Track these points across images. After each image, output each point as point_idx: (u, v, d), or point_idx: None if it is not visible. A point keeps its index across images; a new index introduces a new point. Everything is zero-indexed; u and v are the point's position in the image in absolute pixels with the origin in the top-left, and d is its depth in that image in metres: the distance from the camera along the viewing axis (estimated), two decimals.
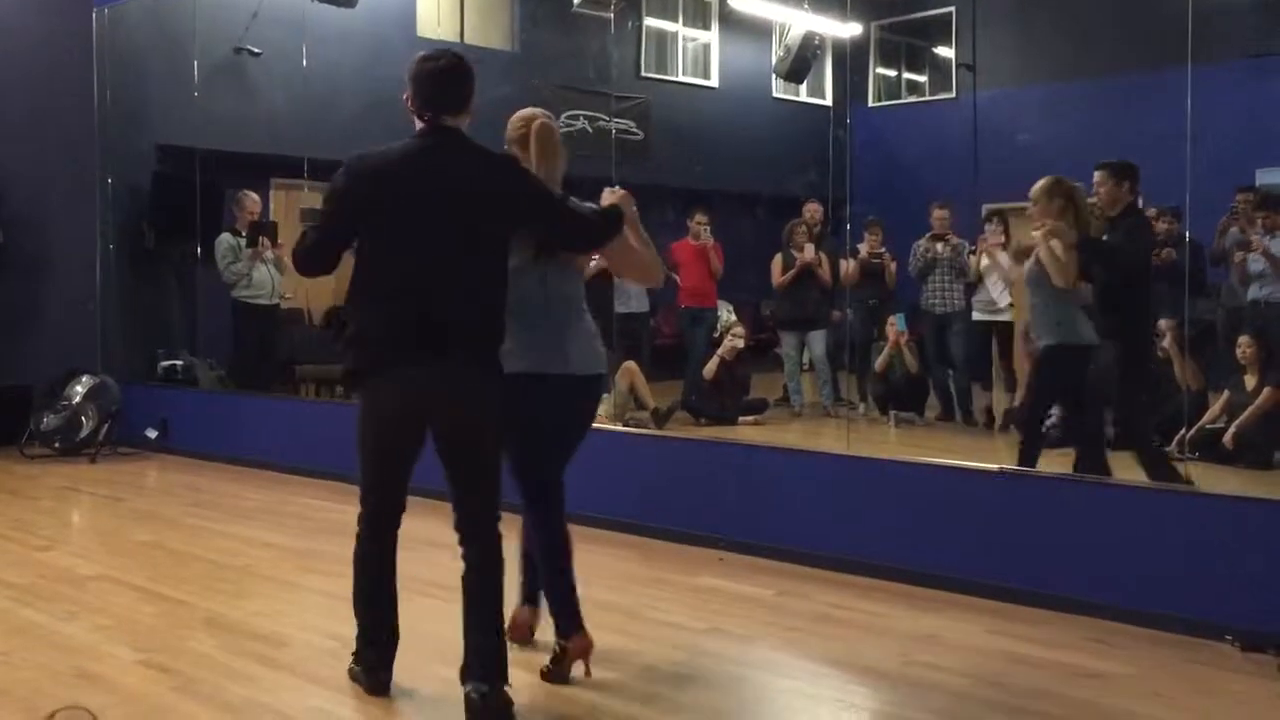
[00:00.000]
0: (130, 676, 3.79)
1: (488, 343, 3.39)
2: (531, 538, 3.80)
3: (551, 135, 3.70)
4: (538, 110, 3.78)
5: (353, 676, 3.69)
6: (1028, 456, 5.32)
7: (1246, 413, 6.85)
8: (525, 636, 4.02)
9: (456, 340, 3.30)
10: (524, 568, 3.99)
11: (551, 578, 3.70)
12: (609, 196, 3.69)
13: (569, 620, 3.68)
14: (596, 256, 8.07)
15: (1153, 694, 3.67)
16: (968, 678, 3.79)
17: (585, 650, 3.68)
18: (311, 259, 3.52)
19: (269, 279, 9.11)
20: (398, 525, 3.62)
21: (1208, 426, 7.00)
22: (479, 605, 3.41)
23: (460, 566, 3.45)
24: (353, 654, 3.72)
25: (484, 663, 3.36)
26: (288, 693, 3.63)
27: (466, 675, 3.38)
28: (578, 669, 3.69)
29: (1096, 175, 5.72)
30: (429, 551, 5.67)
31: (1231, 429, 6.82)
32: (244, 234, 9.07)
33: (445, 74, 3.41)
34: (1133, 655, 4.04)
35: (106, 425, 8.63)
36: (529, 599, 4.04)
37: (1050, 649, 4.11)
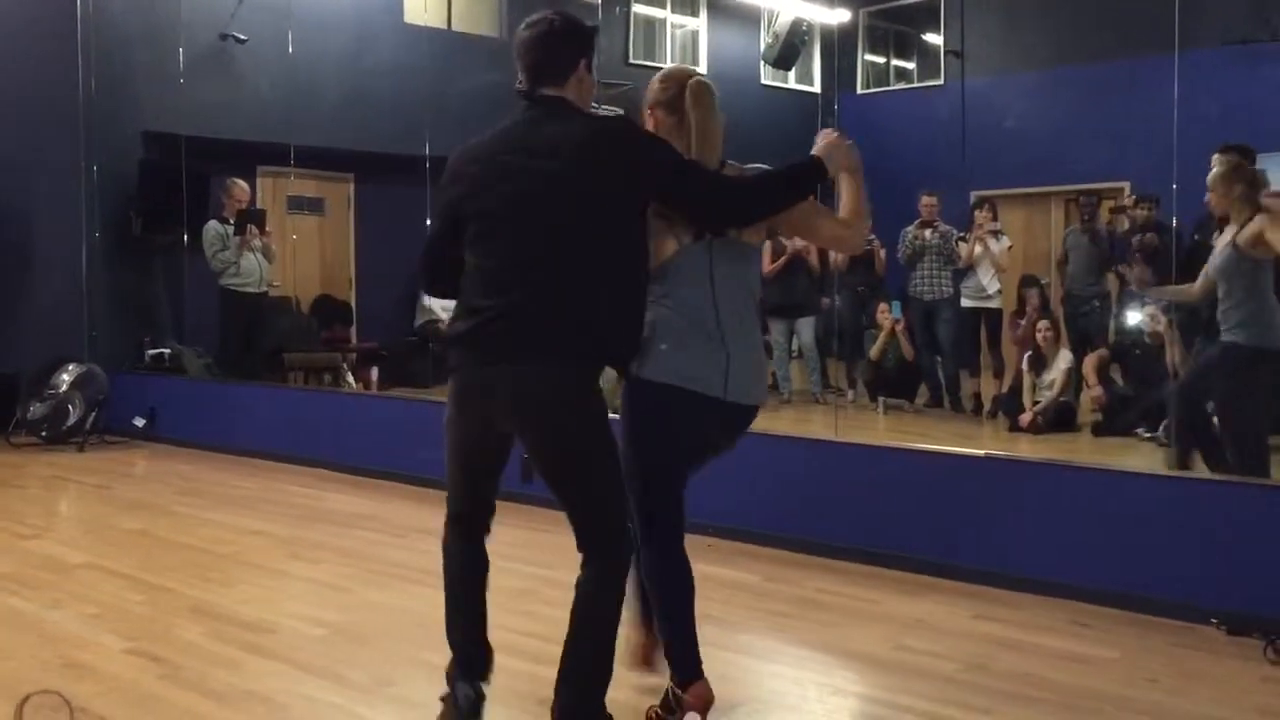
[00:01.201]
0: (117, 665, 3.79)
1: (592, 344, 2.91)
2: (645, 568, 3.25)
3: (711, 96, 3.15)
4: (689, 68, 3.22)
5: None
6: (1253, 465, 4.98)
7: None
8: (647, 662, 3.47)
9: (542, 341, 2.85)
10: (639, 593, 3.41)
11: (670, 611, 3.20)
12: (821, 140, 3.14)
13: (690, 664, 3.16)
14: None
15: (1139, 677, 3.69)
16: (954, 662, 3.81)
17: (706, 703, 3.13)
18: (424, 267, 3.17)
19: (256, 267, 9.09)
20: (476, 531, 3.25)
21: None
22: (569, 628, 3.01)
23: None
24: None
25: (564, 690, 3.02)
26: (275, 680, 3.63)
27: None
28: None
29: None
30: (419, 539, 5.67)
31: (1217, 415, 6.83)
32: (232, 222, 9.05)
33: (538, 38, 2.97)
34: (1117, 639, 4.07)
35: (94, 414, 8.61)
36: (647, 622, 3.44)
37: (1035, 633, 4.13)
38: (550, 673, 3.65)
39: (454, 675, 3.21)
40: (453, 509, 3.25)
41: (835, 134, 3.14)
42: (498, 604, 4.47)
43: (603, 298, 2.88)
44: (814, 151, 3.11)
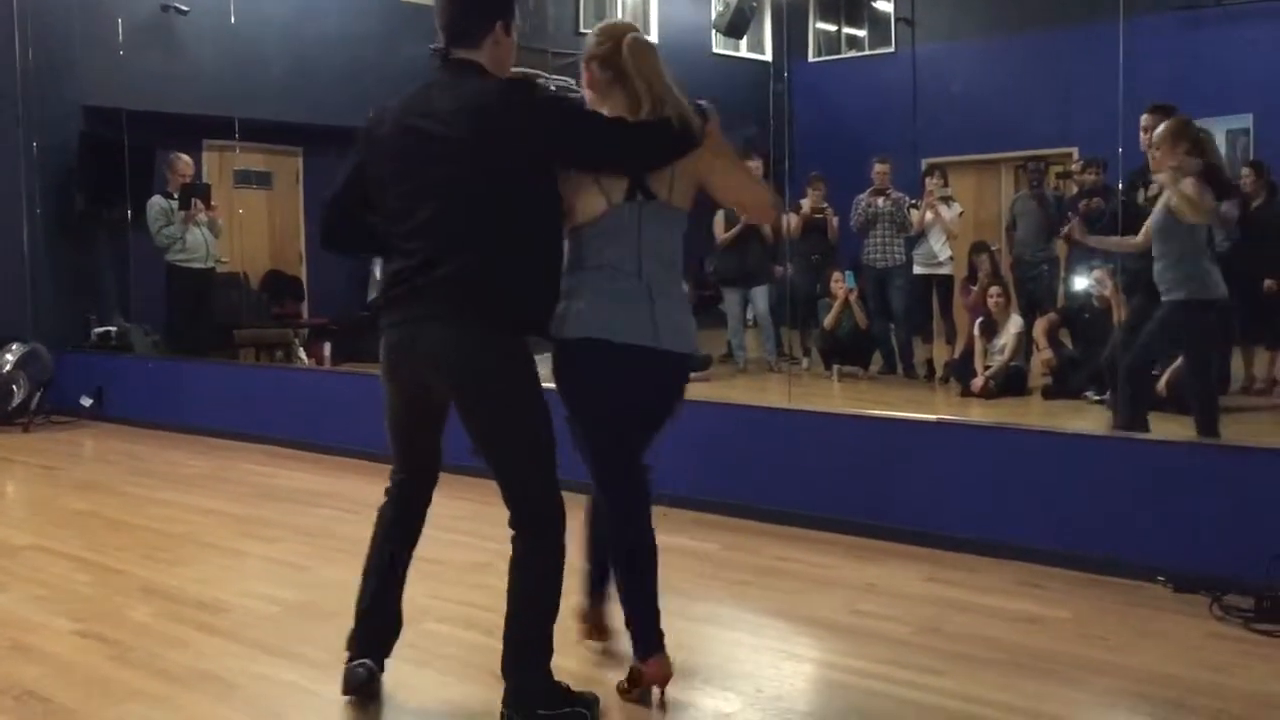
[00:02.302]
0: (65, 646, 3.73)
1: (508, 307, 2.90)
2: (602, 533, 3.32)
3: (651, 50, 3.12)
4: (625, 21, 3.28)
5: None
6: (1209, 424, 5.07)
7: (1179, 360, 6.96)
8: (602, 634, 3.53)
9: (456, 300, 2.86)
10: (592, 558, 3.49)
11: (631, 584, 3.17)
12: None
13: (649, 639, 3.14)
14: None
15: (1090, 635, 3.74)
16: (908, 625, 3.84)
17: (664, 678, 3.15)
18: (323, 223, 3.16)
19: (203, 242, 8.96)
20: (414, 500, 3.25)
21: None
22: (507, 606, 3.02)
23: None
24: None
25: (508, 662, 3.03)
26: (229, 659, 3.59)
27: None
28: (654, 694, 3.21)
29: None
30: (368, 513, 5.63)
31: (1165, 376, 6.93)
32: (176, 196, 8.89)
33: (454, 1, 2.99)
34: (1067, 598, 4.12)
35: (39, 394, 8.47)
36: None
37: (987, 595, 4.18)
38: None
39: (354, 650, 3.19)
40: (393, 476, 3.28)
41: (709, 103, 3.16)
42: (453, 578, 4.46)
43: (514, 260, 2.89)
44: (697, 100, 3.14)
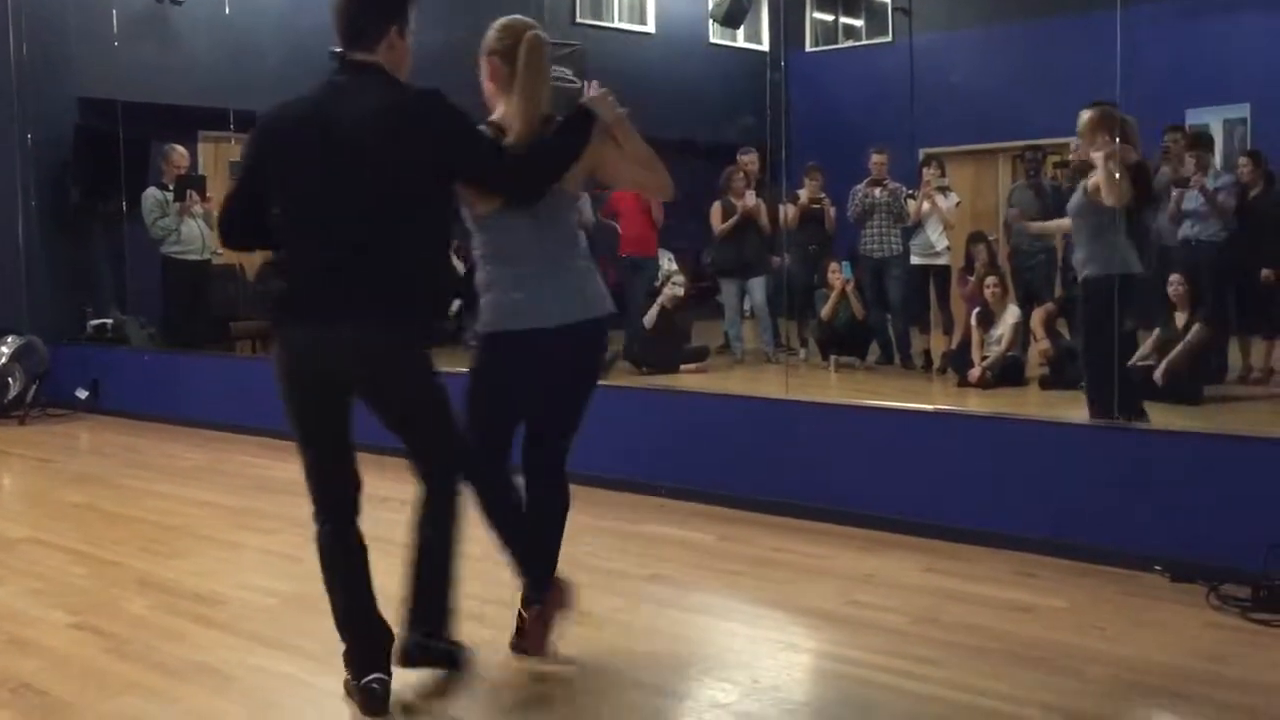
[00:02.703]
0: (62, 639, 3.73)
1: (402, 304, 3.02)
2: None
3: (544, 53, 3.24)
4: (526, 19, 3.34)
5: (347, 690, 3.19)
6: (1103, 405, 5.06)
7: (1176, 350, 6.98)
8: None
9: (358, 302, 2.96)
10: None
11: (502, 539, 3.43)
12: (590, 90, 3.26)
13: (535, 586, 3.42)
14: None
15: (1086, 625, 3.75)
16: (904, 616, 3.84)
17: (563, 603, 3.45)
18: (221, 222, 3.24)
19: (198, 234, 8.93)
20: (345, 512, 3.18)
21: (1139, 364, 7.12)
22: (412, 563, 3.18)
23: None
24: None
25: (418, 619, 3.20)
26: (225, 651, 3.59)
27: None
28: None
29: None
30: (372, 506, 5.63)
31: (1162, 365, 6.94)
32: (171, 188, 8.87)
33: (349, 4, 3.05)
34: (1063, 588, 4.12)
35: (34, 386, 8.45)
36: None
37: (984, 585, 4.18)
38: (501, 634, 3.66)
39: (359, 665, 3.13)
40: (317, 495, 3.17)
41: (602, 89, 3.27)
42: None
43: (407, 260, 2.99)
44: (582, 101, 3.24)
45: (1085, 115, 5.38)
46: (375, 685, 3.09)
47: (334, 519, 3.16)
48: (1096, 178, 5.22)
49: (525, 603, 3.45)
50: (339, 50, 3.07)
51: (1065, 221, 5.94)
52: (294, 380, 3.10)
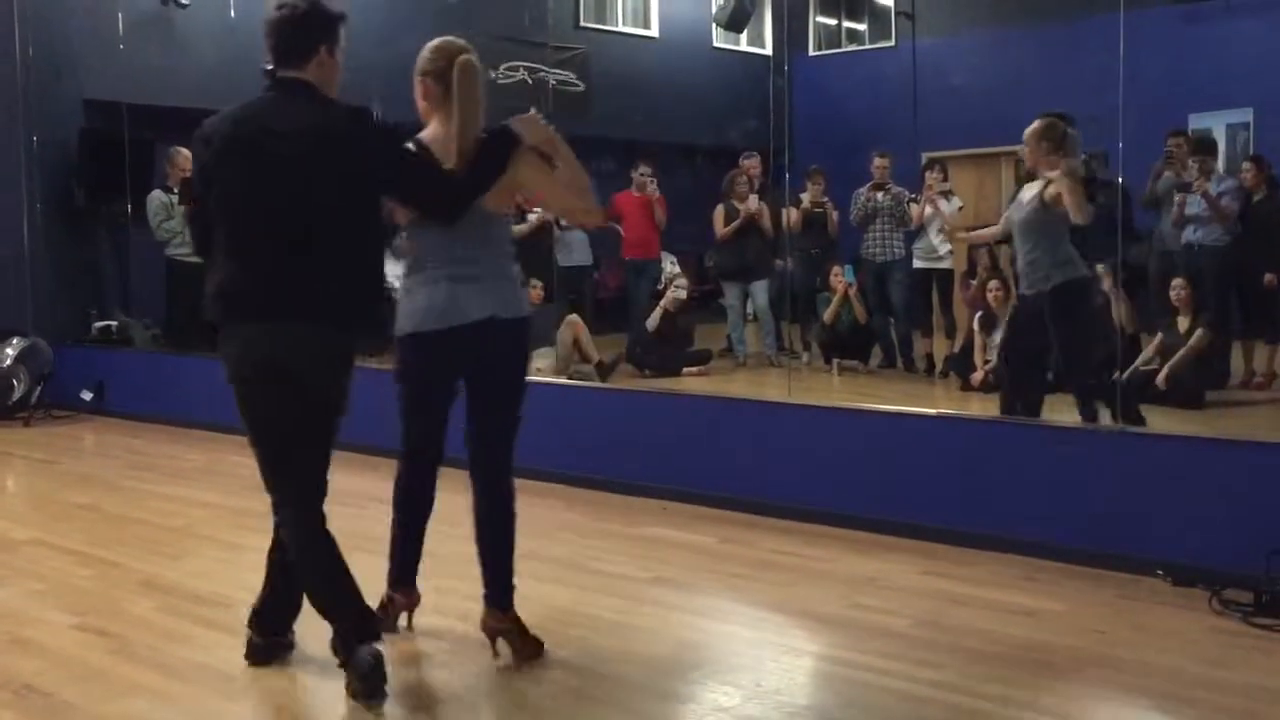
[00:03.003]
0: (65, 640, 3.74)
1: (329, 308, 3.16)
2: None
3: (476, 76, 3.37)
4: (459, 42, 3.47)
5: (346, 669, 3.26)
6: (1025, 404, 5.34)
7: (1179, 354, 6.98)
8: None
9: (288, 304, 3.13)
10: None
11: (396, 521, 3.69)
12: (519, 119, 3.41)
13: (396, 575, 3.70)
14: (537, 210, 7.91)
15: (1088, 629, 3.75)
16: (906, 619, 3.85)
17: (410, 605, 3.72)
18: (195, 234, 3.43)
19: None
20: (316, 506, 3.36)
21: (1141, 368, 7.12)
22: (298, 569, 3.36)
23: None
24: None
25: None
26: (228, 652, 3.58)
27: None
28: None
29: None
30: (371, 508, 5.65)
31: (1164, 370, 6.95)
32: (176, 191, 8.87)
33: (279, 22, 3.21)
34: (1065, 592, 4.13)
35: (39, 388, 8.46)
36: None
37: (985, 588, 4.18)
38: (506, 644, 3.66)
39: (357, 636, 3.23)
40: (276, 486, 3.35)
41: (529, 114, 3.46)
42: (453, 571, 4.46)
43: (335, 266, 3.15)
44: (506, 122, 3.39)
45: (1032, 125, 5.47)
46: (372, 657, 3.18)
47: (298, 506, 3.33)
48: (1055, 190, 5.24)
49: (486, 600, 3.54)
50: (270, 68, 3.24)
51: (995, 230, 6.20)
52: (241, 378, 3.28)
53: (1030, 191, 5.47)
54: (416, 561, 3.69)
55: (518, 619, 3.50)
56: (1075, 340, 5.41)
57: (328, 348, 3.21)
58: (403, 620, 3.71)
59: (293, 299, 3.14)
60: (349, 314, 3.22)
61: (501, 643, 3.49)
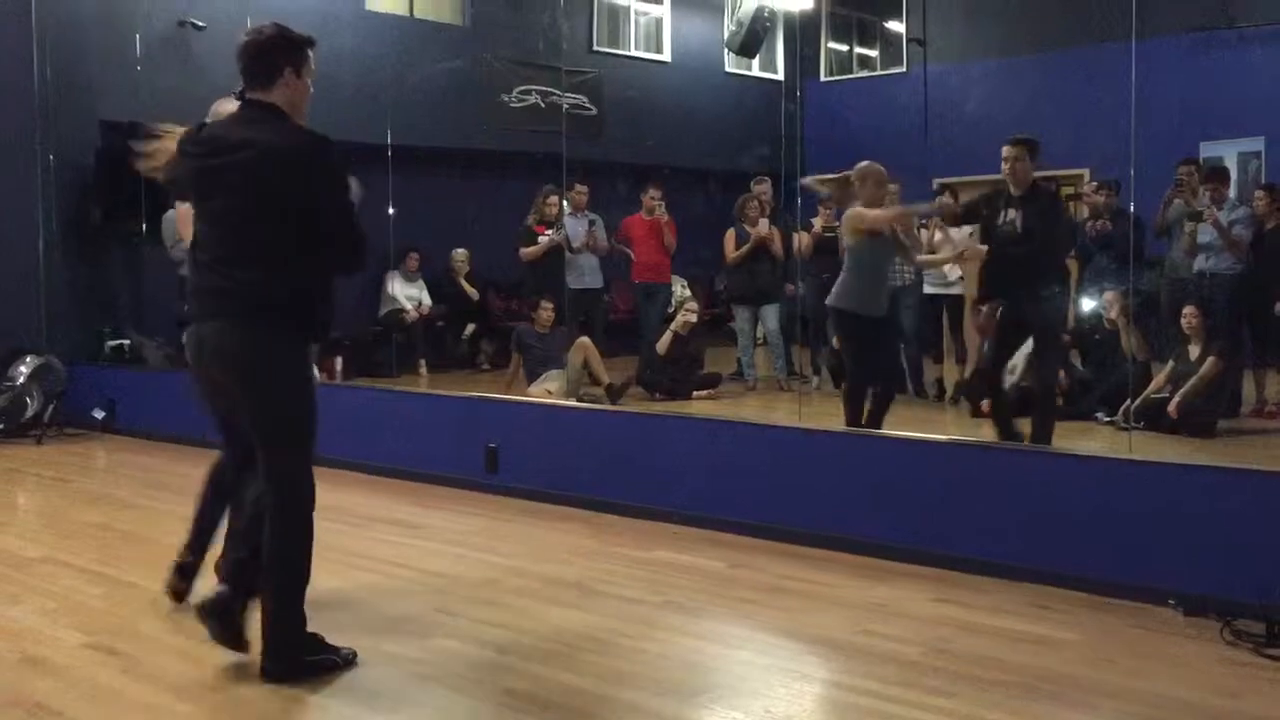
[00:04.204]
0: (77, 659, 3.75)
1: (276, 311, 3.42)
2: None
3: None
4: None
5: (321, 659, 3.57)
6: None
7: (1190, 382, 6.97)
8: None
9: (231, 304, 3.42)
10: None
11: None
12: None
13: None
14: (548, 233, 7.97)
15: (1099, 658, 3.73)
16: (916, 646, 3.84)
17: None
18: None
19: None
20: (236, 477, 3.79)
21: (1153, 396, 7.11)
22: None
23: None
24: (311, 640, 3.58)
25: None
26: (239, 672, 3.58)
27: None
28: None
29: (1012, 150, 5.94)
30: (380, 529, 5.65)
31: (1175, 398, 6.93)
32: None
33: (247, 47, 3.50)
34: (1076, 620, 4.11)
35: (52, 406, 8.50)
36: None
37: (996, 616, 4.17)
38: (516, 661, 3.67)
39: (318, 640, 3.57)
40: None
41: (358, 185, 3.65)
42: (463, 593, 4.47)
43: (285, 277, 3.42)
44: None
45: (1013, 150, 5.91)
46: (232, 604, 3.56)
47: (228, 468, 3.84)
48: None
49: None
50: (240, 90, 3.52)
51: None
52: (195, 369, 3.60)
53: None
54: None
55: None
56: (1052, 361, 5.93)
57: (263, 346, 3.44)
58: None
59: (236, 301, 3.41)
60: (287, 316, 3.45)
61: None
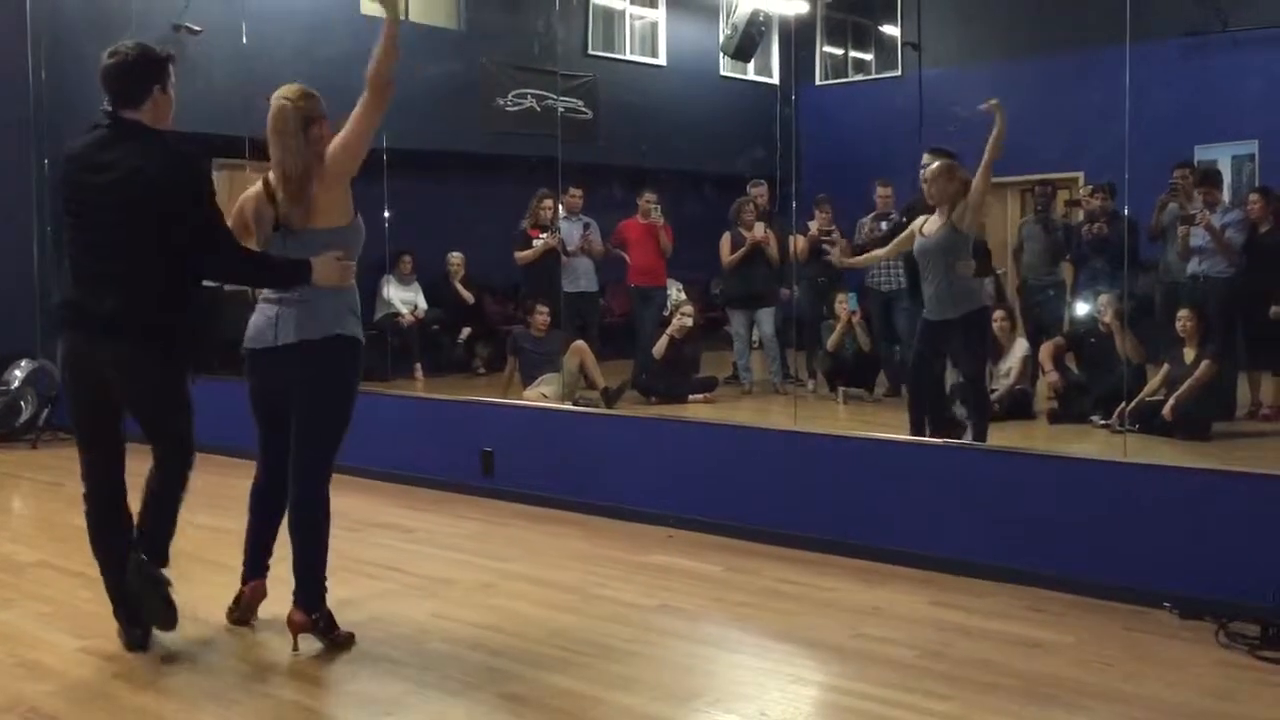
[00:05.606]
0: (70, 663, 3.74)
1: (144, 322, 3.56)
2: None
3: (283, 120, 3.77)
4: (283, 90, 3.88)
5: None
6: (984, 428, 5.68)
7: (1185, 385, 6.97)
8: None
9: (105, 320, 3.53)
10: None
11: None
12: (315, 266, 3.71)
13: (248, 568, 4.18)
14: (542, 236, 7.95)
15: (1094, 661, 3.74)
16: (913, 649, 3.84)
17: (255, 598, 4.17)
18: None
19: None
20: (119, 496, 3.88)
21: (1147, 399, 7.12)
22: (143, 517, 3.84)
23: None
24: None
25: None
26: (233, 677, 3.60)
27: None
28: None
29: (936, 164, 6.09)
30: (375, 533, 5.66)
31: (1170, 401, 6.94)
32: None
33: (113, 68, 3.60)
34: (1072, 624, 4.11)
35: (46, 410, 8.48)
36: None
37: (991, 619, 4.17)
38: (512, 666, 3.67)
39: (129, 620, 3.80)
40: (88, 480, 3.84)
41: (335, 257, 3.73)
42: (458, 598, 4.47)
43: (147, 288, 3.55)
44: (313, 263, 3.69)
45: (935, 164, 6.08)
46: (137, 640, 3.75)
47: (94, 501, 3.81)
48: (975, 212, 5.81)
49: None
50: (108, 108, 3.61)
51: (880, 253, 6.86)
52: (73, 378, 3.69)
53: (935, 223, 5.87)
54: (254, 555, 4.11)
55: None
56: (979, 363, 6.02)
57: (146, 354, 3.60)
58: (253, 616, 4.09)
59: (105, 314, 3.53)
60: (151, 330, 3.59)
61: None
